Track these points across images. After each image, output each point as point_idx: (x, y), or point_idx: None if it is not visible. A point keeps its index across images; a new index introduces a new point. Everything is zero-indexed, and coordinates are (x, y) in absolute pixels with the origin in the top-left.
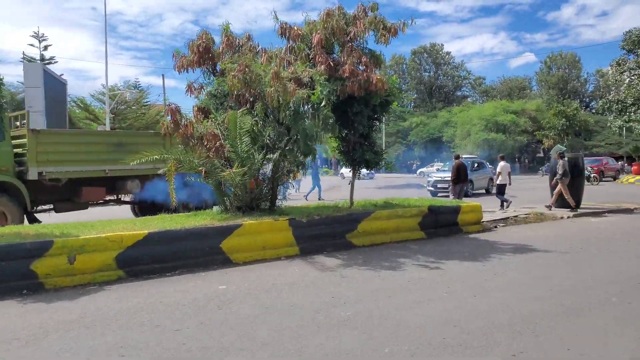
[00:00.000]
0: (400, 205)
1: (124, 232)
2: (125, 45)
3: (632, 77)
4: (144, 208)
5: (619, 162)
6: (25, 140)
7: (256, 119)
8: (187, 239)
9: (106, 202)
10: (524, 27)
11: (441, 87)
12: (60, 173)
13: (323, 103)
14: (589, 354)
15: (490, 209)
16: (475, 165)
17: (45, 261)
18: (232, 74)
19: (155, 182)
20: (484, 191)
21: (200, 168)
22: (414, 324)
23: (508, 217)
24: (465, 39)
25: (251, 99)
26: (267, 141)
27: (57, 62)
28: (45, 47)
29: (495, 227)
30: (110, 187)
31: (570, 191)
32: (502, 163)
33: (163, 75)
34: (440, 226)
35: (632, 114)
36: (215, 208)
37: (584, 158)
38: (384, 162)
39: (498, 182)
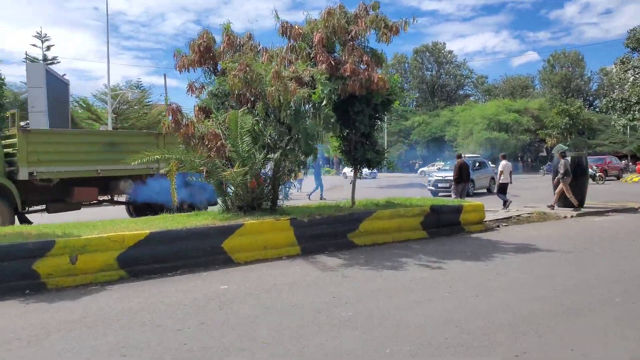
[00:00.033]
0: (402, 204)
1: (126, 232)
2: (128, 45)
3: (637, 76)
4: (138, 208)
5: (623, 161)
6: (16, 140)
7: (257, 118)
8: (188, 238)
9: (99, 203)
10: (526, 25)
11: (443, 86)
12: (52, 173)
13: (324, 102)
14: (591, 354)
15: (492, 208)
16: (477, 164)
17: (47, 261)
18: (233, 73)
19: (148, 182)
20: (485, 191)
21: (201, 168)
22: (415, 324)
23: (511, 217)
24: (468, 37)
25: (252, 99)
26: (268, 141)
27: (59, 62)
28: (48, 47)
29: (498, 226)
30: (103, 187)
31: (574, 190)
32: (503, 162)
33: (165, 75)
34: (443, 226)
35: (636, 112)
36: (217, 207)
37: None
38: (385, 162)
39: (500, 181)
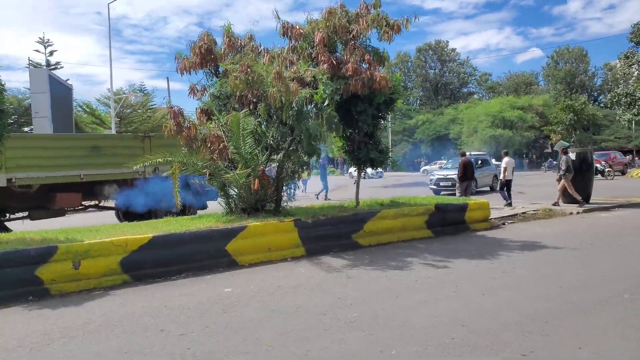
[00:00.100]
0: (406, 204)
1: (129, 236)
2: (131, 49)
3: None
4: (127, 213)
5: (628, 156)
6: None
7: (259, 119)
8: (191, 242)
9: (85, 208)
10: (529, 21)
11: (447, 84)
12: (31, 179)
13: (326, 102)
14: (601, 352)
15: (497, 206)
16: (479, 162)
17: (50, 267)
18: (234, 74)
19: (135, 187)
20: (488, 189)
21: (204, 170)
22: (421, 324)
23: (516, 214)
24: (471, 35)
25: (254, 100)
26: (271, 142)
27: (62, 67)
28: (51, 53)
29: (504, 224)
30: (87, 192)
31: (579, 186)
32: (506, 159)
33: (168, 78)
34: (448, 224)
35: None
36: (222, 210)
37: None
38: (389, 161)
39: (504, 177)
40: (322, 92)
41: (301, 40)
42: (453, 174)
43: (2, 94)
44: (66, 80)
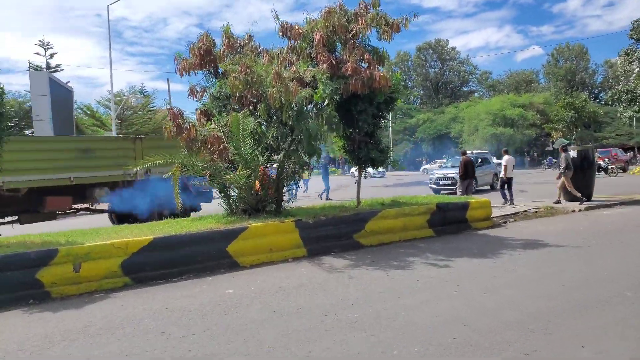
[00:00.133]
0: (407, 203)
1: (129, 239)
2: (131, 51)
3: None
4: (121, 215)
5: (629, 153)
6: None
7: (259, 120)
8: (192, 243)
9: (76, 212)
10: (529, 19)
11: (447, 82)
12: (19, 182)
13: (326, 102)
14: (604, 351)
15: (499, 204)
16: (479, 160)
17: (51, 270)
18: (234, 75)
19: (127, 189)
20: (488, 187)
21: (204, 172)
22: (423, 324)
23: (518, 212)
24: (470, 33)
25: (254, 100)
26: (271, 142)
27: (63, 69)
28: (51, 55)
29: (505, 222)
30: (78, 195)
31: (581, 184)
32: (506, 157)
33: (168, 80)
34: (449, 223)
35: None
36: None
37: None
38: (390, 160)
39: (505, 176)
40: (321, 91)
41: (300, 40)
42: (453, 172)
43: (2, 97)
44: (67, 83)
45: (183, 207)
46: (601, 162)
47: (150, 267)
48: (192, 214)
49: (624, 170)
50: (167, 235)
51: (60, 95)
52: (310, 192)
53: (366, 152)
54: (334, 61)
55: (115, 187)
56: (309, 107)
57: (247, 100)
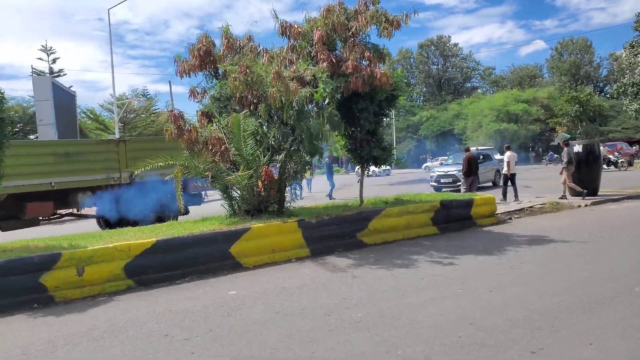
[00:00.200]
0: (411, 201)
1: (132, 241)
2: (133, 54)
3: None
4: (109, 220)
5: (634, 147)
6: None
7: (260, 120)
8: (195, 245)
9: (60, 217)
10: (532, 14)
11: (450, 79)
12: None
13: (327, 101)
14: (612, 348)
15: (498, 200)
16: (480, 157)
17: (54, 274)
18: (234, 76)
19: (112, 194)
20: (490, 184)
21: (206, 173)
22: (428, 323)
23: (523, 208)
24: (473, 29)
25: (254, 101)
26: (272, 142)
27: (65, 74)
28: (54, 60)
29: (510, 218)
30: (61, 200)
31: (586, 178)
32: (508, 153)
33: (170, 82)
34: (453, 220)
35: None
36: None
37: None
38: (393, 158)
39: (509, 172)
40: (322, 90)
41: (300, 39)
42: (454, 170)
43: (2, 102)
44: (69, 87)
45: (171, 210)
46: (611, 156)
47: (153, 269)
48: (182, 217)
49: (630, 164)
50: (169, 237)
51: (64, 99)
52: (314, 191)
53: (368, 151)
54: (334, 59)
55: (100, 191)
56: (309, 106)
57: (247, 101)
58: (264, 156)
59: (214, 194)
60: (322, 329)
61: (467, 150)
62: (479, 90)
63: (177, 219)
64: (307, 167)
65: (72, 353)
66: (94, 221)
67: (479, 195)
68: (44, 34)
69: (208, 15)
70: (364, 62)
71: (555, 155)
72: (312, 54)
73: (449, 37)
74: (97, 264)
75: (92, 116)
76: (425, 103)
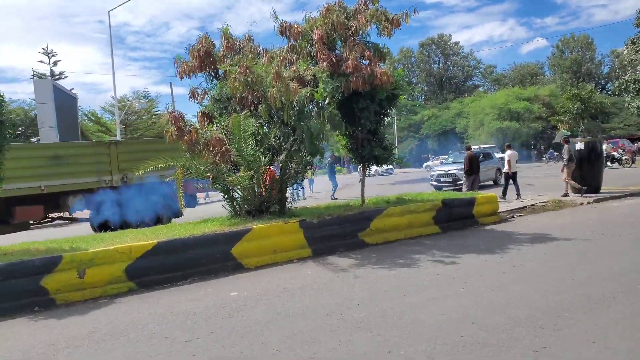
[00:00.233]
0: (413, 200)
1: (133, 243)
2: (134, 56)
3: None
4: (103, 223)
5: (636, 144)
6: None
7: (260, 121)
8: (196, 246)
9: (52, 221)
10: (533, 11)
11: (451, 78)
12: None
13: (327, 100)
14: (616, 347)
15: (508, 198)
16: (481, 156)
17: (55, 276)
18: (233, 76)
19: (103, 196)
20: (491, 183)
21: (207, 174)
22: (430, 322)
23: (525, 206)
24: (474, 28)
25: (254, 101)
26: (273, 143)
27: (67, 77)
28: (55, 63)
29: (513, 217)
30: (51, 204)
31: (588, 175)
32: (509, 151)
33: (171, 84)
34: (455, 219)
35: None
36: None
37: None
38: (394, 158)
39: (510, 170)
40: (322, 90)
41: (300, 39)
42: (454, 169)
43: (2, 105)
44: (71, 90)
45: (163, 213)
46: (615, 153)
47: (154, 271)
48: (176, 220)
49: (632, 161)
50: (170, 239)
51: (65, 102)
52: (316, 191)
53: (369, 150)
54: (334, 59)
55: (91, 194)
56: (310, 106)
57: (247, 101)
58: (265, 157)
59: (216, 195)
60: (323, 330)
61: (469, 148)
62: (481, 89)
63: (170, 222)
64: (308, 167)
65: (73, 356)
66: (82, 224)
67: (480, 194)
68: (45, 37)
69: (209, 16)
70: (364, 62)
71: (556, 153)
72: (312, 54)
73: (450, 35)
74: (98, 267)
75: (93, 118)
76: (426, 102)
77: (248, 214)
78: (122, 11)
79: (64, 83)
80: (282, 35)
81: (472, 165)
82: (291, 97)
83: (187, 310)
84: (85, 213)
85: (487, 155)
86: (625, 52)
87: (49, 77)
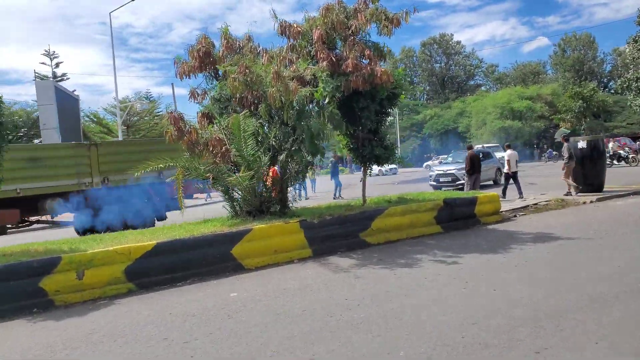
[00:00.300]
0: (414, 200)
1: (132, 244)
2: (137, 57)
3: None
4: (84, 226)
5: (638, 142)
6: None
7: (261, 120)
8: (196, 247)
9: (30, 224)
10: (534, 11)
11: (453, 77)
12: None
13: (327, 100)
14: (619, 347)
15: (510, 198)
16: (481, 155)
17: (54, 278)
18: (233, 76)
19: (83, 199)
20: (491, 182)
21: (207, 174)
22: (431, 323)
23: (528, 206)
24: (475, 27)
25: (254, 101)
26: (273, 142)
27: (69, 78)
28: (57, 65)
29: (515, 216)
30: (28, 207)
31: (591, 174)
32: (509, 151)
33: (173, 85)
34: (457, 219)
35: None
36: (227, 213)
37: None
38: (395, 157)
39: (510, 170)
40: (322, 89)
41: (300, 39)
42: (453, 169)
43: (0, 107)
44: (73, 91)
45: (147, 216)
46: (621, 152)
47: (154, 272)
48: (161, 222)
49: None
50: (170, 239)
51: (67, 103)
52: (318, 191)
53: (370, 150)
54: (334, 58)
55: (71, 197)
56: (310, 105)
57: (247, 101)
58: (265, 156)
59: (218, 196)
60: (323, 331)
61: (470, 148)
62: (483, 88)
63: (154, 225)
64: (309, 167)
65: (70, 357)
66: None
67: (482, 193)
68: (47, 39)
69: (211, 17)
70: (364, 61)
71: (555, 152)
72: (311, 53)
73: (452, 35)
74: (97, 268)
75: (95, 120)
76: (428, 101)
77: (248, 214)
78: (124, 13)
79: (66, 85)
80: (282, 35)
81: (474, 165)
82: (291, 97)
83: (186, 312)
84: (66, 216)
85: (487, 155)
86: (627, 50)
87: (51, 79)
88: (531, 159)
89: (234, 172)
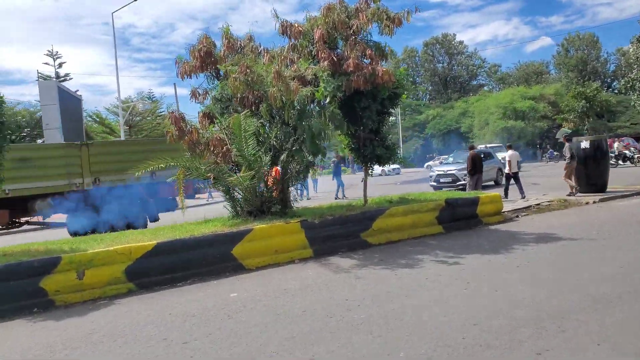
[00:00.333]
0: (416, 200)
1: (133, 244)
2: (140, 57)
3: None
4: (75, 227)
5: None
6: None
7: (262, 120)
8: (197, 247)
9: (20, 225)
10: (537, 10)
11: (456, 77)
12: None
13: (328, 99)
14: (621, 348)
15: (512, 198)
16: (482, 155)
17: (54, 278)
18: (234, 76)
19: (74, 200)
20: (492, 183)
21: (208, 174)
22: (432, 324)
23: (530, 206)
24: (478, 27)
25: (255, 101)
26: (274, 142)
27: (72, 78)
28: (60, 65)
29: (517, 216)
30: (18, 208)
31: (594, 174)
32: (510, 152)
33: (175, 85)
34: (459, 219)
35: None
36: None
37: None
38: (397, 157)
39: (511, 170)
40: (323, 89)
41: (301, 38)
42: (454, 169)
43: (1, 106)
44: (75, 91)
45: (139, 217)
46: (627, 152)
47: (154, 272)
48: (154, 224)
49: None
50: (171, 239)
51: (70, 103)
52: (320, 191)
53: (371, 150)
54: (335, 58)
55: (62, 197)
56: (311, 105)
57: (248, 101)
58: (266, 156)
59: (220, 196)
60: (323, 332)
61: (472, 148)
62: (485, 88)
63: (146, 227)
64: (310, 167)
65: (70, 357)
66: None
67: (484, 194)
68: (50, 39)
69: (213, 17)
70: (365, 60)
71: (555, 153)
72: (313, 53)
73: (454, 35)
74: (97, 268)
75: (98, 120)
76: (431, 101)
77: (249, 214)
78: (127, 13)
79: (69, 85)
80: (283, 35)
81: (476, 165)
82: (292, 97)
83: (186, 312)
84: (57, 217)
85: (488, 155)
86: (631, 50)
87: (54, 79)
88: (534, 159)
89: (235, 172)
